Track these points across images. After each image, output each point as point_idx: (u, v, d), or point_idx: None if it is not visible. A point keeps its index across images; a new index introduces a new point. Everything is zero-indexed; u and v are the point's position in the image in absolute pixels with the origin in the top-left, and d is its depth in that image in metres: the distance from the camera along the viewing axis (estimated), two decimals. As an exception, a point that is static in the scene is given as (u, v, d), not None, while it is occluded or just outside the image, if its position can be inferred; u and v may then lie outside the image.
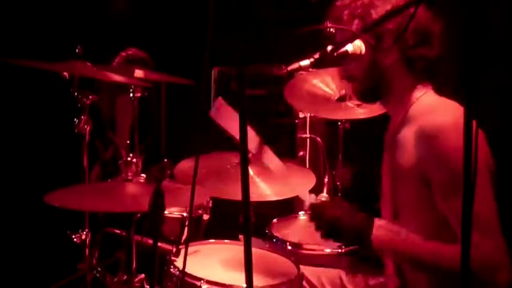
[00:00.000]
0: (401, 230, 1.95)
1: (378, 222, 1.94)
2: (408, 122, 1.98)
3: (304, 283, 2.35)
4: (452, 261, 1.22)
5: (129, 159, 2.49)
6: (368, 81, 2.05)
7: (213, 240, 2.61)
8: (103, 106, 3.55)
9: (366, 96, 2.13)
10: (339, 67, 2.13)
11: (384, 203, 2.17)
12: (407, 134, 1.96)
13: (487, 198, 1.82)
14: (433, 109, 1.96)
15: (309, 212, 2.17)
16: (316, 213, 2.03)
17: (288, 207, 3.20)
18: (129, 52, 3.52)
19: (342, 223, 1.95)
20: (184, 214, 2.80)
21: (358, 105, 3.01)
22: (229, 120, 2.27)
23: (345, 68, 2.09)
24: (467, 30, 1.13)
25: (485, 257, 1.73)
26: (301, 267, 2.41)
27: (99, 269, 2.66)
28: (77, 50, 2.57)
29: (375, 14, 1.96)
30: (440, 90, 2.04)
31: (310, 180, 2.71)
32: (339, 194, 3.25)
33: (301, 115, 3.43)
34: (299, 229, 2.94)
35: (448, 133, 1.84)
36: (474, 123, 1.79)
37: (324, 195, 3.07)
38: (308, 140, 3.45)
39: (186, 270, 1.96)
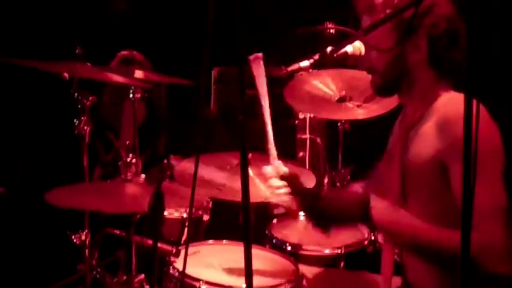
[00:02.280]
0: (401, 209, 1.93)
1: (373, 200, 1.93)
2: (429, 117, 1.96)
3: (305, 283, 2.35)
4: (454, 243, 1.21)
5: (128, 160, 2.49)
6: (390, 74, 2.01)
7: (212, 241, 2.61)
8: (105, 109, 3.55)
9: (384, 88, 2.09)
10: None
11: (390, 198, 2.14)
12: (428, 127, 1.94)
13: (500, 187, 1.80)
14: (453, 101, 1.93)
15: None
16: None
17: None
18: (125, 53, 3.52)
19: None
20: (184, 215, 2.80)
21: (358, 106, 3.01)
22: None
23: (367, 59, 2.04)
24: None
25: (493, 244, 1.72)
26: (302, 266, 2.41)
27: (99, 270, 2.66)
28: (76, 51, 2.57)
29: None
30: (458, 88, 2.02)
31: (310, 181, 2.70)
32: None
33: (301, 116, 3.42)
34: (299, 230, 2.94)
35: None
36: (487, 116, 1.80)
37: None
38: (308, 140, 3.45)
39: (185, 271, 1.95)
